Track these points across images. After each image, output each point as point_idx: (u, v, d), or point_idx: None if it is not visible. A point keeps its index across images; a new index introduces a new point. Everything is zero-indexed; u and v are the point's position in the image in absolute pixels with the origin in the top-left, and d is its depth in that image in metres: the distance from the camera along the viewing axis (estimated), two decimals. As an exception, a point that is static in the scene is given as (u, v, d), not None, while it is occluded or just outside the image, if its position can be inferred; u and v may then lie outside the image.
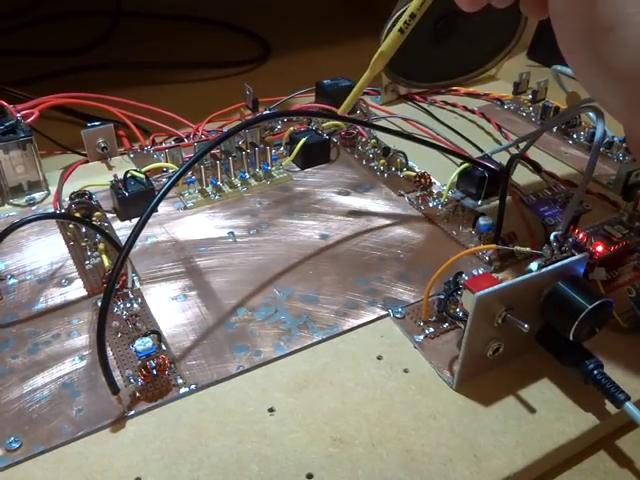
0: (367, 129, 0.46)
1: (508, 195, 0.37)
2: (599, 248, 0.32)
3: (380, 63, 0.41)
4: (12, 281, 0.33)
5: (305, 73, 0.53)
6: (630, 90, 0.22)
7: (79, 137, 0.42)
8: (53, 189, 0.39)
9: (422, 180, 0.40)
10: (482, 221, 0.36)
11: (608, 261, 0.32)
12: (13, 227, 0.30)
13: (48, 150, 0.44)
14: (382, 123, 0.49)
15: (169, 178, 0.29)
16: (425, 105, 0.53)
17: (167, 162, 0.41)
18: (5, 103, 0.39)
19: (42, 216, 0.35)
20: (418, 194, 0.40)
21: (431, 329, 0.30)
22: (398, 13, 0.47)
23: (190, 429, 0.26)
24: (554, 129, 0.48)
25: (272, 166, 0.42)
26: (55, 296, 0.32)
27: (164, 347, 0.29)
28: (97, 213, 0.37)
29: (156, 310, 0.31)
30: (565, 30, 0.23)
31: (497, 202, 0.35)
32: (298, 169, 0.43)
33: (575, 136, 0.47)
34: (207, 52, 0.65)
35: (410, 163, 0.43)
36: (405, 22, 0.39)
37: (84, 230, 0.35)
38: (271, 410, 0.27)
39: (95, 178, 0.40)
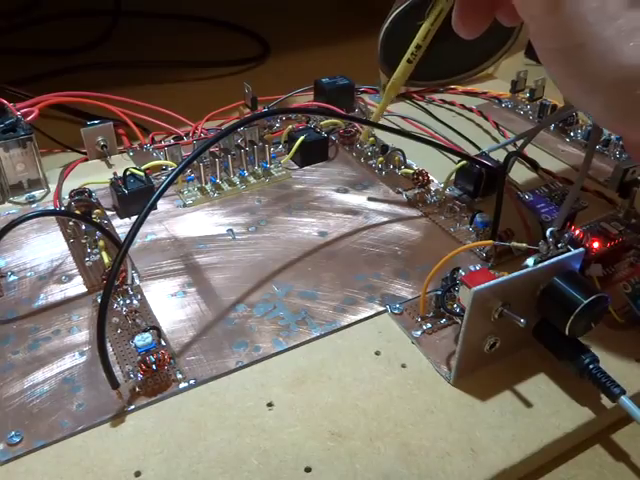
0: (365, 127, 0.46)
1: (505, 192, 0.37)
2: (595, 244, 0.32)
3: (393, 92, 0.44)
4: (12, 278, 0.33)
5: (304, 72, 0.53)
6: (608, 100, 0.23)
7: (79, 135, 0.42)
8: (53, 187, 0.40)
9: (420, 178, 0.40)
10: (479, 218, 0.36)
11: (604, 257, 0.32)
12: (13, 224, 0.30)
13: (48, 148, 0.45)
14: (380, 121, 0.49)
15: (168, 176, 0.29)
16: (423, 103, 0.53)
17: (166, 160, 0.41)
18: (5, 101, 0.39)
19: (42, 213, 0.35)
20: (416, 191, 0.41)
21: (429, 325, 0.30)
22: (396, 12, 0.48)
23: (189, 423, 0.26)
24: (551, 127, 0.48)
25: (271, 164, 0.43)
26: (55, 293, 0.32)
27: (164, 343, 0.29)
28: (97, 210, 0.37)
29: (156, 306, 0.31)
30: (542, 49, 0.24)
31: (494, 199, 0.36)
32: (297, 167, 0.44)
33: (572, 134, 0.48)
34: (207, 51, 0.65)
35: (408, 161, 0.43)
36: (412, 53, 0.41)
37: (84, 227, 0.35)
38: (270, 405, 0.27)
39: (95, 176, 0.40)
